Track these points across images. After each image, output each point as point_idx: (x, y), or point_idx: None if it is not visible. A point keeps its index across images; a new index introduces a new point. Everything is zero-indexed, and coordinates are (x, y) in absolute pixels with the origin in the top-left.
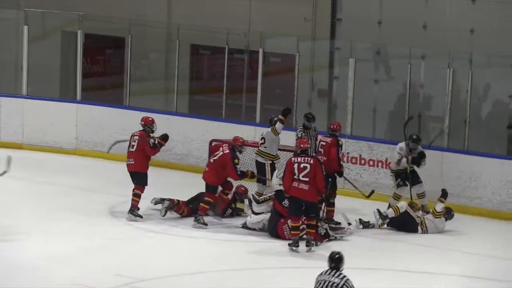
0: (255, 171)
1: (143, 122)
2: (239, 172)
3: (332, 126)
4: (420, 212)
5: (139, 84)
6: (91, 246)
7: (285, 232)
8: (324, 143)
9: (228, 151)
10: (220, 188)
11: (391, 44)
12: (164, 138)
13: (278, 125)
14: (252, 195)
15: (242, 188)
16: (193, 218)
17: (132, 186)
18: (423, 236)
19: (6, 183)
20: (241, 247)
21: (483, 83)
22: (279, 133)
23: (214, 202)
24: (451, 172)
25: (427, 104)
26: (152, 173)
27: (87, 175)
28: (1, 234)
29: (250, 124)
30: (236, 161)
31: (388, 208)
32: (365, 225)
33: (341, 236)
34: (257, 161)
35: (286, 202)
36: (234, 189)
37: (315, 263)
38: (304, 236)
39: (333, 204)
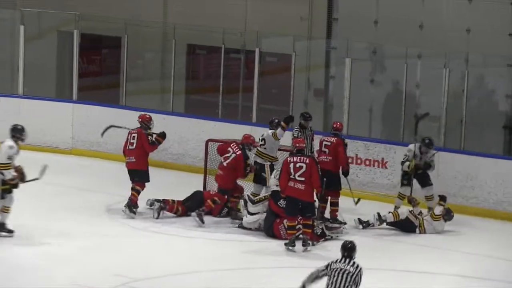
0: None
1: (140, 119)
2: (247, 172)
3: (334, 126)
4: (419, 208)
5: (135, 83)
6: (91, 246)
7: (281, 232)
8: (328, 143)
9: (240, 151)
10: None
11: (387, 43)
12: (162, 135)
13: (280, 131)
14: (248, 195)
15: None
16: (189, 218)
17: (130, 184)
18: (423, 236)
19: None
20: (237, 247)
21: (479, 83)
22: (279, 139)
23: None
24: (448, 171)
25: (423, 103)
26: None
27: (84, 174)
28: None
29: (246, 124)
30: (247, 161)
31: (395, 209)
32: (364, 224)
33: (337, 236)
34: (256, 162)
35: (281, 202)
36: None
37: (311, 262)
38: (301, 235)
39: (337, 204)
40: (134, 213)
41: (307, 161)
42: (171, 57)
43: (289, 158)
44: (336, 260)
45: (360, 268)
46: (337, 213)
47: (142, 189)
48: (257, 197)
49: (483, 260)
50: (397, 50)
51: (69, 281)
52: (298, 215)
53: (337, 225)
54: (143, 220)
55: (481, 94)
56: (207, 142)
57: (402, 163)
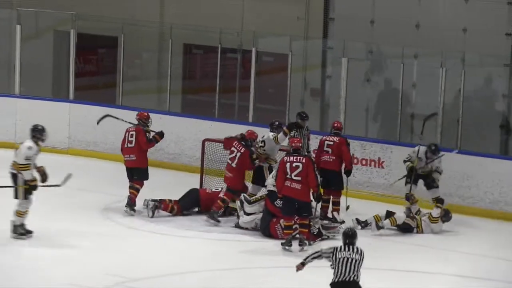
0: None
1: (138, 117)
2: (255, 164)
3: (335, 125)
4: (417, 206)
5: (132, 83)
6: (90, 246)
7: (278, 232)
8: (331, 143)
9: (244, 149)
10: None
11: (384, 43)
12: (160, 134)
13: (281, 137)
14: (244, 195)
15: None
16: (187, 217)
17: (127, 184)
18: (422, 236)
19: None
20: (233, 247)
21: (475, 82)
22: (280, 143)
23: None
24: (444, 171)
25: (420, 103)
26: None
27: (80, 174)
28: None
29: (243, 124)
30: (254, 156)
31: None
32: (362, 224)
33: (334, 235)
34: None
35: (278, 202)
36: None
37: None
38: (297, 235)
39: (338, 203)
40: (134, 210)
41: (304, 160)
42: (167, 56)
43: (285, 158)
44: (340, 248)
45: (363, 252)
46: (337, 212)
47: (141, 187)
48: (253, 197)
49: (482, 260)
50: (394, 50)
51: (69, 281)
52: (295, 214)
53: (334, 225)
54: (141, 219)
55: (477, 94)
56: (203, 141)
57: (404, 161)
